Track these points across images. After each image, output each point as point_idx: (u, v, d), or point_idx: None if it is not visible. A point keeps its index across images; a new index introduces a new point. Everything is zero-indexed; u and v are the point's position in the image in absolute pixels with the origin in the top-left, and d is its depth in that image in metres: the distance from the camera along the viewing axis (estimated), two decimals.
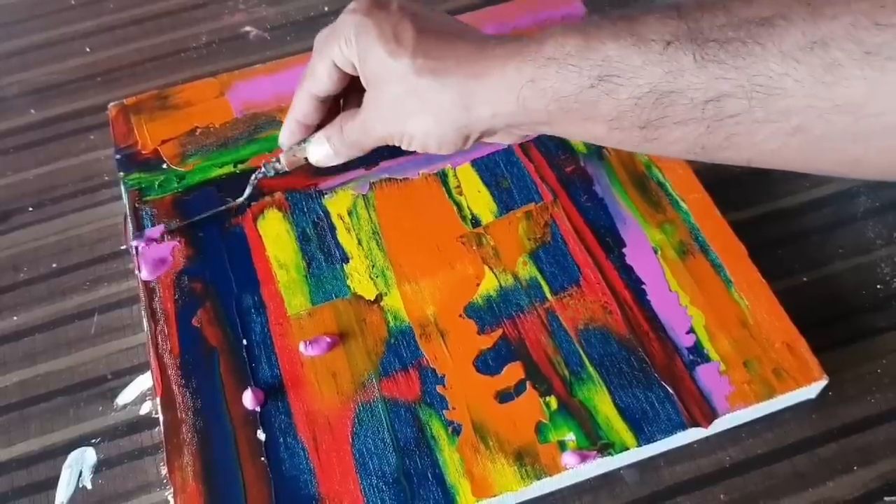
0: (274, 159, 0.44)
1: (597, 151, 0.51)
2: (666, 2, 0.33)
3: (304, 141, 0.43)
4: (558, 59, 0.33)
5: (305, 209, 0.49)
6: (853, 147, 0.29)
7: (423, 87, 0.36)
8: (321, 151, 0.43)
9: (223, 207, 0.49)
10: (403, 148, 0.40)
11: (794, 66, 0.28)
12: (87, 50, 0.62)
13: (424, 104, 0.37)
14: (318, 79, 0.41)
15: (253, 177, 0.46)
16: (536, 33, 0.36)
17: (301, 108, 0.42)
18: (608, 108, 0.33)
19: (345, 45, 0.39)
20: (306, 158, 0.43)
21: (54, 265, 0.50)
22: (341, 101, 0.43)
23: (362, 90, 0.42)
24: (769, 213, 0.50)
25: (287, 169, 0.44)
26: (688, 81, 0.30)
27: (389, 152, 0.51)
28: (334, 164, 0.43)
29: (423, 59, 0.36)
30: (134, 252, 0.48)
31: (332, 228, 0.48)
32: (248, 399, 0.41)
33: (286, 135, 0.44)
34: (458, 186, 0.50)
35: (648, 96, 0.31)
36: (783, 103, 0.29)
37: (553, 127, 0.36)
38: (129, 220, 0.49)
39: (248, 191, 0.48)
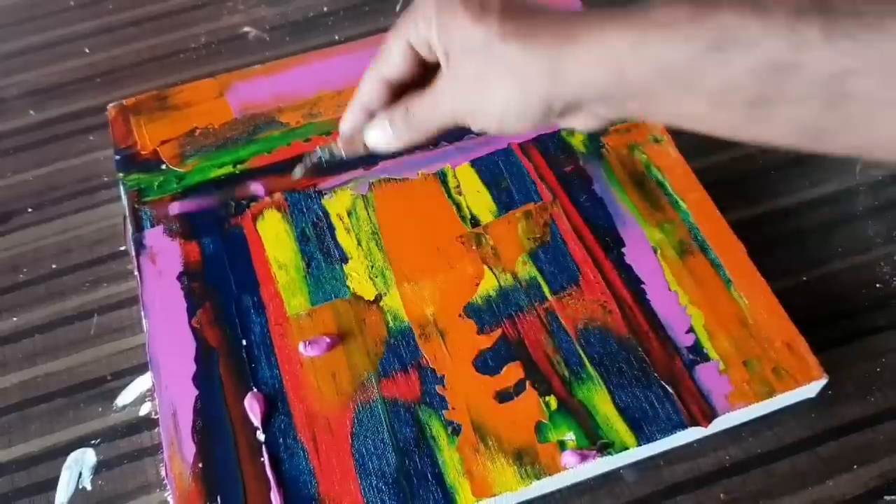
0: (332, 143, 0.41)
1: (596, 151, 0.51)
2: None
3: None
4: (667, 24, 0.31)
5: (304, 209, 0.49)
6: None
7: (510, 53, 0.34)
8: (381, 135, 0.40)
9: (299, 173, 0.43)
10: (474, 129, 0.37)
11: None
12: (86, 51, 0.62)
13: (509, 72, 0.34)
14: (390, 59, 0.38)
15: (307, 158, 0.42)
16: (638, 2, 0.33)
17: (368, 92, 0.40)
18: (716, 81, 0.30)
19: (422, 23, 0.36)
20: (364, 146, 0.40)
21: (54, 266, 0.50)
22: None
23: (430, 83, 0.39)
24: (768, 212, 0.50)
25: (344, 157, 0.41)
26: (811, 55, 0.28)
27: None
28: (392, 149, 0.40)
29: (512, 25, 0.34)
30: (133, 253, 0.48)
31: (332, 229, 0.48)
32: (249, 405, 0.42)
33: (348, 120, 0.41)
34: (458, 186, 0.50)
35: (765, 68, 0.29)
36: None
37: (647, 104, 0.34)
38: (128, 220, 0.49)
39: (299, 171, 0.42)
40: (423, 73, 0.39)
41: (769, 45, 0.29)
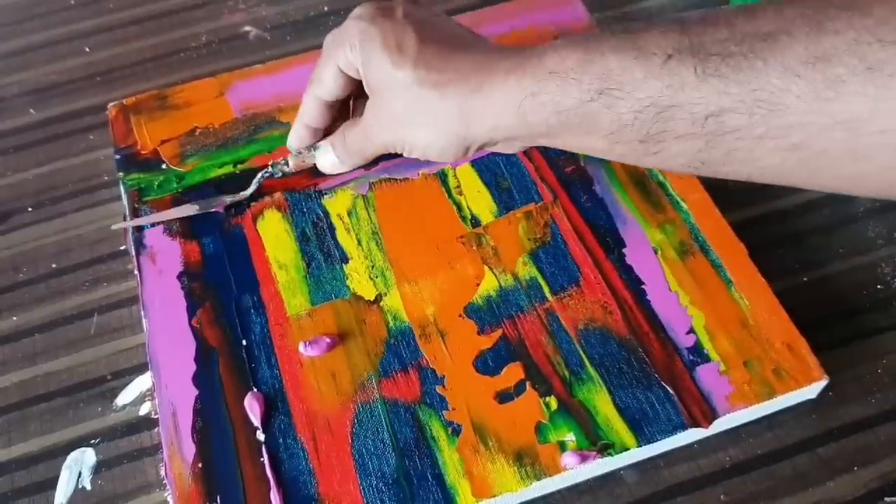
0: (282, 161, 0.45)
1: None
2: (670, 17, 0.33)
3: (312, 147, 0.44)
4: (559, 73, 0.33)
5: (305, 209, 0.49)
6: (853, 164, 0.29)
7: (425, 98, 0.36)
8: (327, 159, 0.43)
9: (227, 200, 0.49)
10: (405, 155, 0.40)
11: (796, 81, 0.28)
12: (87, 50, 0.62)
13: (425, 115, 0.37)
14: (323, 83, 0.41)
15: (259, 175, 0.47)
16: (539, 46, 0.35)
17: (308, 112, 0.43)
18: (608, 122, 0.33)
19: (350, 51, 0.39)
20: (314, 164, 0.44)
21: (54, 265, 0.50)
22: (351, 105, 0.43)
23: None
24: (769, 212, 0.50)
25: (294, 171, 0.45)
26: (688, 96, 0.30)
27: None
28: (340, 171, 0.44)
29: (425, 71, 0.36)
30: (133, 252, 0.48)
31: (332, 228, 0.48)
32: (249, 405, 0.41)
33: (294, 138, 0.44)
34: (458, 186, 0.50)
35: (649, 110, 0.31)
36: (784, 119, 0.29)
37: (553, 140, 0.36)
38: (128, 220, 0.49)
39: (252, 188, 0.48)
40: (361, 88, 0.41)
41: (650, 88, 0.31)
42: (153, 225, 0.49)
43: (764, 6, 0.30)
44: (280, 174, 0.46)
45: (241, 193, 0.48)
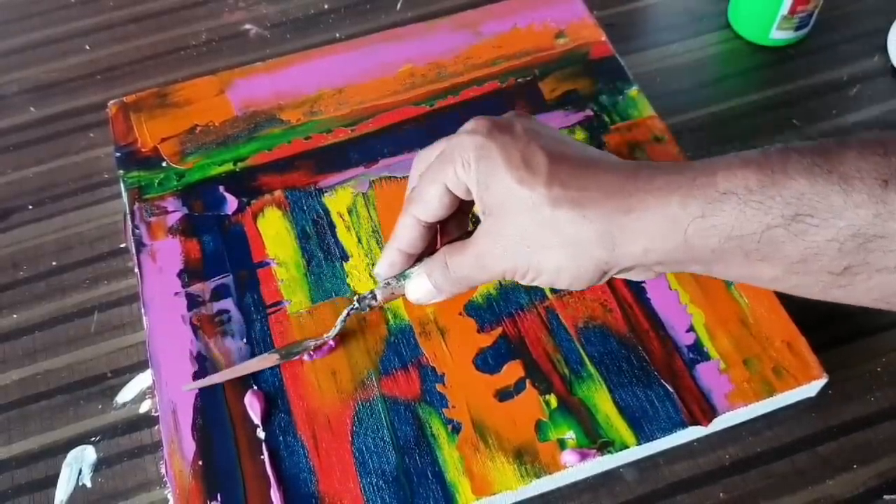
0: (368, 295, 0.40)
1: (597, 147, 0.50)
2: (863, 135, 0.30)
3: (401, 275, 0.39)
4: (737, 195, 0.30)
5: (305, 207, 0.49)
6: None
7: (560, 219, 0.32)
8: (422, 289, 0.38)
9: (312, 345, 0.43)
10: (525, 283, 0.36)
11: None
12: (87, 48, 0.62)
13: (560, 238, 0.33)
14: (427, 204, 0.37)
15: (345, 313, 0.42)
16: (699, 162, 0.32)
17: (406, 236, 0.38)
18: (795, 251, 0.30)
19: (461, 169, 0.35)
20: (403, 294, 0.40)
21: (54, 263, 0.50)
22: (438, 225, 0.39)
23: (463, 214, 0.38)
24: None
25: (382, 304, 0.40)
26: None
27: (390, 150, 0.51)
28: (435, 301, 0.39)
29: (561, 189, 0.32)
30: (134, 250, 0.48)
31: (332, 226, 0.48)
32: (250, 402, 0.42)
33: (386, 266, 0.39)
34: None
35: (852, 240, 0.28)
36: None
37: (710, 266, 0.32)
38: (128, 218, 0.49)
39: (337, 328, 0.42)
40: (459, 207, 0.38)
41: (854, 216, 0.28)
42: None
43: None
44: (367, 309, 0.41)
45: (325, 336, 0.43)
